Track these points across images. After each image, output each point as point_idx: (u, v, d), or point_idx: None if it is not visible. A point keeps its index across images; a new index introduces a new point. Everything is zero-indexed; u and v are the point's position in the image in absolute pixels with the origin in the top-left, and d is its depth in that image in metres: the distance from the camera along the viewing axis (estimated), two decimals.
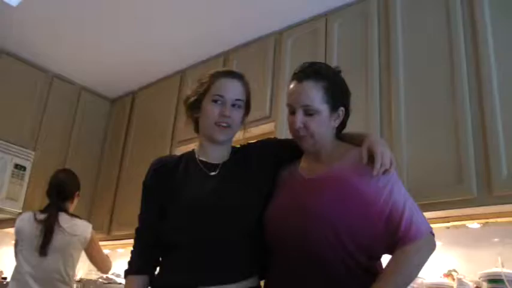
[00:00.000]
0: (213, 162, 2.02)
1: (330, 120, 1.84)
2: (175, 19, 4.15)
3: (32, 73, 4.95)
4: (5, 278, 4.51)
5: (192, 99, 2.07)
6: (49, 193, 3.65)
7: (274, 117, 3.77)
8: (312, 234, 1.69)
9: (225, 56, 4.46)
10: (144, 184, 2.06)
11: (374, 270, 1.69)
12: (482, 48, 2.83)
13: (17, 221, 3.53)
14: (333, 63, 3.48)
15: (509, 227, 2.81)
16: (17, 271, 3.40)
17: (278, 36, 4.06)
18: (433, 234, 1.72)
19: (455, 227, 2.94)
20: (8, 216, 4.61)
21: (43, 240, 3.34)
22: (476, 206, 2.68)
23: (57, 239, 3.39)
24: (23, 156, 4.65)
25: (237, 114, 2.00)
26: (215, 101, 1.98)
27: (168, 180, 1.99)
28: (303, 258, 1.70)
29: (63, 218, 3.50)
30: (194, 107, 2.06)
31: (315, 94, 1.80)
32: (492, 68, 2.76)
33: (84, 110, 5.33)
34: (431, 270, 2.94)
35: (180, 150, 4.48)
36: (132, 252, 1.99)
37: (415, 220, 1.66)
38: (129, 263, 1.97)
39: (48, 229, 3.38)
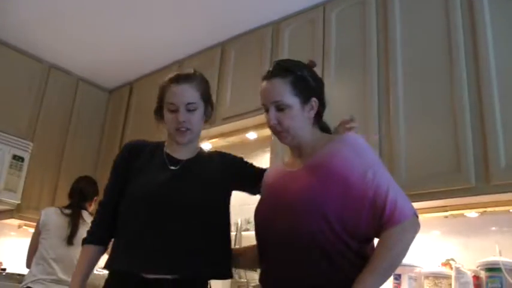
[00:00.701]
0: (177, 157, 2.11)
1: (303, 113, 1.86)
2: (172, 9, 4.13)
3: (29, 64, 4.94)
4: (4, 269, 4.52)
5: (155, 108, 2.22)
6: (71, 196, 3.97)
7: None
8: (300, 225, 1.70)
9: (223, 46, 4.45)
10: (113, 162, 2.19)
11: (365, 254, 1.70)
12: (481, 35, 2.82)
13: (43, 215, 3.80)
14: (331, 52, 3.49)
15: (507, 215, 2.82)
16: (41, 257, 3.64)
17: (276, 26, 4.05)
18: (417, 216, 1.72)
19: (454, 216, 2.95)
20: (6, 207, 4.63)
21: (71, 231, 3.68)
22: (474, 195, 2.68)
23: (82, 231, 3.66)
24: (21, 147, 4.65)
25: (193, 117, 2.07)
26: (170, 110, 2.08)
27: (134, 161, 2.11)
28: (294, 250, 1.71)
29: (85, 214, 3.83)
30: (158, 114, 2.20)
31: (283, 89, 1.84)
32: (490, 57, 2.76)
33: (82, 101, 5.33)
34: (429, 259, 2.95)
35: None
36: (92, 223, 2.12)
37: (399, 203, 1.67)
38: (88, 232, 2.09)
39: (75, 222, 3.73)
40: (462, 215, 2.94)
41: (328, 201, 1.68)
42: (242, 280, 3.62)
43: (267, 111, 1.89)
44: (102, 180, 4.98)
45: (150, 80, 5.11)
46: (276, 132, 1.89)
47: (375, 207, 1.67)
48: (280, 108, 1.84)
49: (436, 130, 2.84)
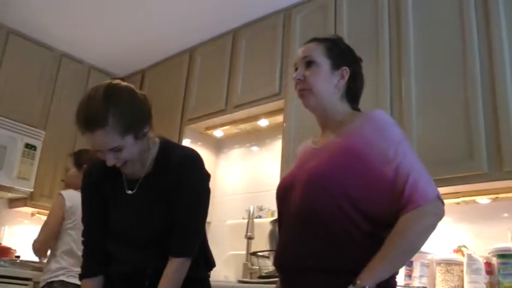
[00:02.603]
0: (133, 178, 2.01)
1: (332, 78, 1.81)
2: None
3: (41, 53, 4.96)
4: (18, 257, 4.56)
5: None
6: None
7: (283, 94, 3.78)
8: (307, 201, 1.65)
9: (234, 33, 4.45)
10: (81, 190, 2.13)
11: (379, 237, 1.58)
12: (494, 20, 2.80)
13: (66, 200, 3.46)
14: (343, 38, 3.46)
15: None
16: (70, 251, 3.39)
17: (287, 13, 4.03)
18: (442, 202, 1.58)
19: (466, 202, 2.94)
20: (19, 195, 4.67)
21: None
22: (486, 181, 2.67)
23: None
24: (33, 135, 4.68)
25: (123, 154, 1.86)
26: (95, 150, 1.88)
27: (99, 190, 2.06)
28: (304, 224, 1.66)
29: None
30: None
31: (315, 48, 1.83)
32: (504, 42, 2.73)
33: None
34: (441, 246, 2.95)
35: (190, 129, 4.51)
36: (82, 256, 2.08)
37: (422, 185, 1.55)
38: (81, 266, 2.06)
39: None
40: (474, 201, 2.94)
41: (340, 180, 1.60)
42: (255, 267, 3.62)
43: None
44: None
45: (162, 68, 5.13)
46: (300, 91, 1.83)
47: (395, 188, 1.56)
48: (309, 64, 1.81)
49: (448, 116, 2.83)
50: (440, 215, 1.57)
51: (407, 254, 1.56)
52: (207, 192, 2.03)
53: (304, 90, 1.81)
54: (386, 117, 1.73)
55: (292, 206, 1.72)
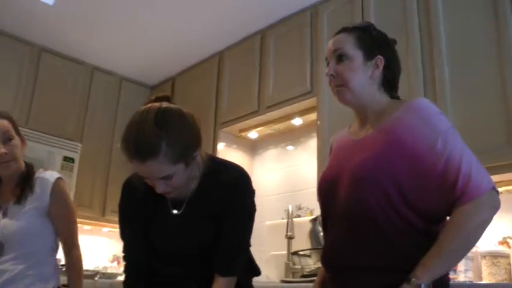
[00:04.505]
0: (178, 197, 1.91)
1: (366, 69, 1.74)
2: (209, 1, 4.13)
3: (73, 68, 5.10)
4: (63, 265, 4.60)
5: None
6: None
7: (315, 92, 3.74)
8: (358, 199, 1.58)
9: (262, 34, 4.44)
10: (119, 208, 2.02)
11: (434, 234, 1.52)
12: None
13: None
14: None
15: None
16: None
17: (314, 10, 4.01)
18: (497, 191, 1.52)
19: (508, 191, 2.87)
20: None
21: None
22: None
23: None
24: (70, 148, 4.79)
25: (173, 181, 1.75)
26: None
27: (142, 204, 1.95)
28: (353, 221, 1.60)
29: None
30: None
31: (346, 40, 1.76)
32: None
33: (126, 99, 5.45)
34: (485, 239, 2.88)
35: (223, 132, 4.52)
36: (124, 272, 2.02)
37: (474, 176, 1.48)
38: (124, 285, 2.00)
39: None
40: None
41: (390, 175, 1.54)
42: (296, 266, 3.61)
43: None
44: None
45: (192, 74, 5.16)
46: (334, 87, 1.77)
47: (446, 181, 1.49)
48: (341, 58, 1.74)
49: (484, 101, 2.76)
50: (496, 207, 1.51)
51: (463, 250, 1.50)
52: (254, 210, 2.01)
53: (340, 87, 1.75)
54: (431, 105, 1.66)
55: (338, 201, 1.67)
